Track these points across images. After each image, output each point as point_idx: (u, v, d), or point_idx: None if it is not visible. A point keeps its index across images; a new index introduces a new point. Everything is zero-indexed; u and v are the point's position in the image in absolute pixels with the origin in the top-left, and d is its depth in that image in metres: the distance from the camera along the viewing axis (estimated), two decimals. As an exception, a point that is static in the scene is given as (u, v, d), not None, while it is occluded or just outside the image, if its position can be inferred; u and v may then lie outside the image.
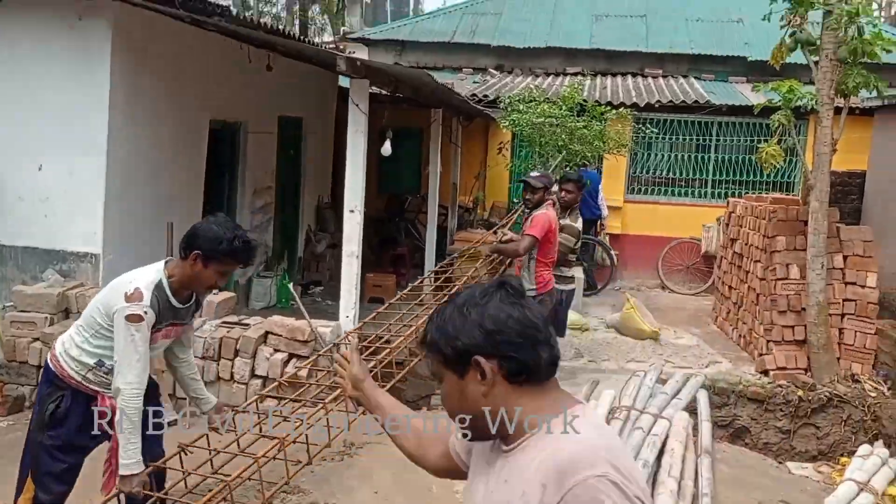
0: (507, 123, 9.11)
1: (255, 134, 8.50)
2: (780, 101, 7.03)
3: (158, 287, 2.99)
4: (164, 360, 3.41)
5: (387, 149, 8.51)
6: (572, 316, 7.61)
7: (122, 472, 2.95)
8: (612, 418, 4.59)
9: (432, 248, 9.76)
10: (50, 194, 5.93)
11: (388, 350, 4.95)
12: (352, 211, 5.78)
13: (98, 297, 3.13)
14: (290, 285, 6.38)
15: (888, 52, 6.41)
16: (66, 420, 3.08)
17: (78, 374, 3.08)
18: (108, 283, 3.20)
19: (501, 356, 1.46)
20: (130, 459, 2.94)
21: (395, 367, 4.85)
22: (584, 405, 1.55)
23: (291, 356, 5.37)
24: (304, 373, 5.14)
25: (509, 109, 9.10)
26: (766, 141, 7.35)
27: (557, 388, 1.55)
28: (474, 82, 12.86)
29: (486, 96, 11.39)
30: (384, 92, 7.57)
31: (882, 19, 18.07)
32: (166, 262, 3.11)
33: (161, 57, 6.49)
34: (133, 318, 2.89)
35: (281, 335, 5.43)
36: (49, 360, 3.16)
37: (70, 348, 3.11)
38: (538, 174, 6.03)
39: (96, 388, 3.10)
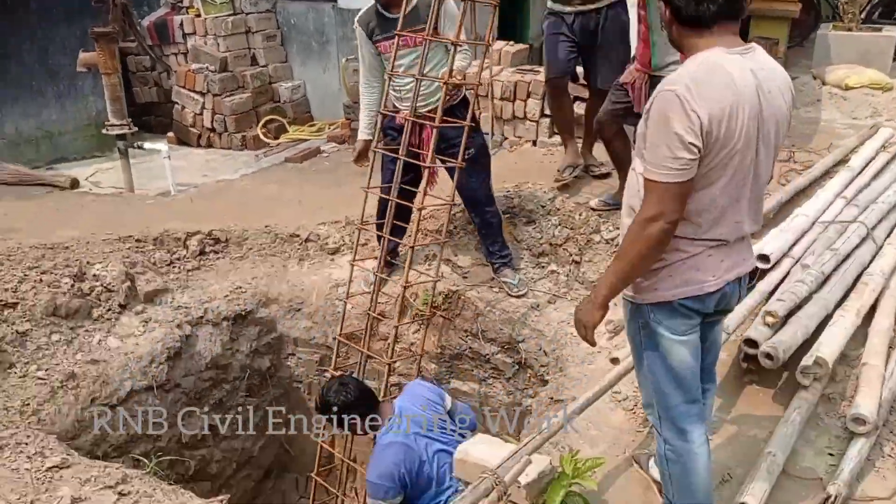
0: None
1: None
2: None
3: (369, 9, 3.81)
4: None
5: None
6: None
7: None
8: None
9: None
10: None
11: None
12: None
13: None
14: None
15: None
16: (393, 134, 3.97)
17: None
18: None
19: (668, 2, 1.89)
20: (360, 129, 4.11)
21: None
22: (723, 49, 1.83)
23: (576, 98, 5.83)
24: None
25: None
26: None
27: (726, 35, 1.86)
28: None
29: None
30: None
31: None
32: None
33: None
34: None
35: (569, 78, 5.70)
36: None
37: None
38: None
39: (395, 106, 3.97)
